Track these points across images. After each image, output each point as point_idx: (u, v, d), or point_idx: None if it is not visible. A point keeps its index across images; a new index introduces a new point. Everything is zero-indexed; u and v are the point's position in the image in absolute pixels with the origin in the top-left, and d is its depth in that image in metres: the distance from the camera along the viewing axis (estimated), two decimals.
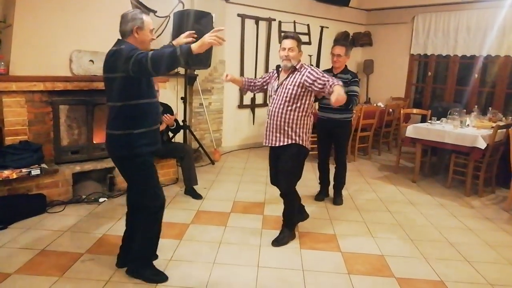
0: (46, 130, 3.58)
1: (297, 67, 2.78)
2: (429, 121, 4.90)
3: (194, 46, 2.05)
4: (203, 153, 5.22)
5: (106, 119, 2.36)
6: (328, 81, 2.63)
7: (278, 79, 2.88)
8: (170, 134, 4.26)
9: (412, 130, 4.72)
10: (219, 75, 5.54)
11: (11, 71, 3.34)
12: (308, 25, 6.73)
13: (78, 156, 3.77)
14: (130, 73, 2.11)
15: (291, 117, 2.78)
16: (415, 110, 6.04)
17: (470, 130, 4.40)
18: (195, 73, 5.19)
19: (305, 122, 2.84)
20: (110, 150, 2.39)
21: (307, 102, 2.81)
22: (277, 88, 2.83)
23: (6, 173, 3.17)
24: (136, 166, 2.32)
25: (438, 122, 4.76)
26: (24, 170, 3.26)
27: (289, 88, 2.76)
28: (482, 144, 4.11)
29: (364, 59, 7.65)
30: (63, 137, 3.70)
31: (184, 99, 4.93)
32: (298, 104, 2.78)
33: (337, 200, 3.98)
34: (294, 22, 6.54)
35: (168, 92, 5.00)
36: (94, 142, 3.87)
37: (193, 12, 4.39)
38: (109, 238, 3.00)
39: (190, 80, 5.14)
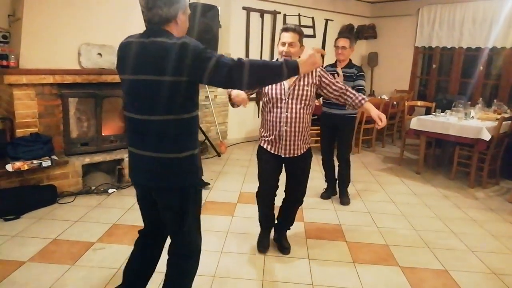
0: (56, 122, 3.64)
1: None
2: (434, 113, 4.92)
3: (302, 67, 1.65)
4: (209, 145, 5.27)
5: (152, 137, 1.65)
6: (346, 90, 2.50)
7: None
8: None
9: (416, 122, 4.74)
10: None
11: (21, 64, 3.40)
12: (312, 18, 6.73)
13: (87, 148, 3.84)
14: (202, 80, 1.56)
15: (307, 120, 2.55)
16: (419, 103, 6.06)
17: (474, 122, 4.42)
18: None
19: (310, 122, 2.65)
20: (172, 180, 1.68)
21: (314, 99, 2.58)
22: (290, 90, 2.46)
23: (18, 164, 3.24)
24: (195, 197, 1.77)
25: (442, 114, 4.78)
26: (35, 161, 3.33)
27: (307, 90, 2.47)
28: (486, 136, 4.13)
29: (369, 51, 7.65)
30: (73, 129, 3.76)
31: None
32: (311, 103, 2.54)
33: (344, 199, 3.82)
34: (299, 15, 6.54)
35: None
36: (103, 134, 3.93)
37: (200, 6, 4.41)
38: (120, 227, 3.07)
39: None
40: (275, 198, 2.72)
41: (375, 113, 2.37)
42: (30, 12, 3.41)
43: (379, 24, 7.57)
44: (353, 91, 2.53)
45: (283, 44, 2.43)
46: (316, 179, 4.26)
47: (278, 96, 2.48)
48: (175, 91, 1.56)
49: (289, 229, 2.91)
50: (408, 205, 3.85)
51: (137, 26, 4.50)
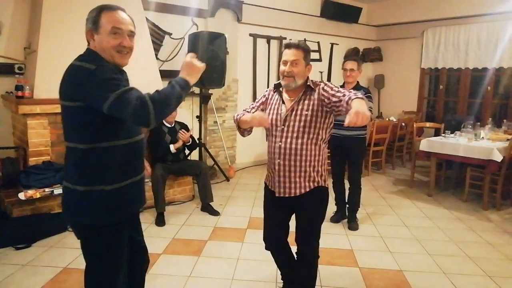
0: None
1: (311, 86, 2.05)
2: (443, 135, 4.90)
3: (189, 78, 1.60)
4: (218, 170, 5.29)
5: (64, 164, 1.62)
6: (344, 95, 1.89)
7: (283, 102, 2.10)
8: (187, 152, 4.34)
9: (426, 144, 4.72)
10: (233, 93, 5.67)
11: (35, 95, 3.50)
12: (318, 42, 6.85)
13: None
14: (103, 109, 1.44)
15: (312, 152, 2.04)
16: (428, 124, 6.04)
17: (485, 143, 4.38)
18: (209, 92, 5.31)
19: (325, 154, 2.14)
20: (70, 214, 1.61)
21: (326, 126, 2.07)
22: (286, 116, 2.06)
23: (30, 192, 3.28)
24: (101, 242, 1.60)
25: (452, 135, 4.75)
26: (47, 189, 3.37)
27: (306, 114, 2.01)
28: (498, 157, 4.09)
29: (375, 74, 7.72)
30: None
31: (199, 117, 5.04)
32: (317, 131, 2.03)
33: (352, 225, 3.74)
34: (305, 40, 6.66)
35: (183, 111, 5.12)
36: None
37: (207, 34, 4.53)
38: None
39: (204, 99, 5.26)
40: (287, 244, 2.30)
41: (352, 110, 1.67)
42: (45, 45, 3.54)
43: (384, 47, 7.67)
44: (350, 94, 1.89)
45: (285, 62, 2.03)
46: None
47: (274, 122, 2.10)
48: (81, 115, 1.52)
49: None
50: (421, 229, 3.78)
51: (146, 57, 4.64)
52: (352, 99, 1.79)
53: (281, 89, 2.14)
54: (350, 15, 7.01)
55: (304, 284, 2.25)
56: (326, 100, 1.98)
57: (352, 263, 3.02)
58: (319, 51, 6.90)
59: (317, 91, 2.04)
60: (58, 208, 3.53)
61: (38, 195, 3.31)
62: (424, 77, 7.19)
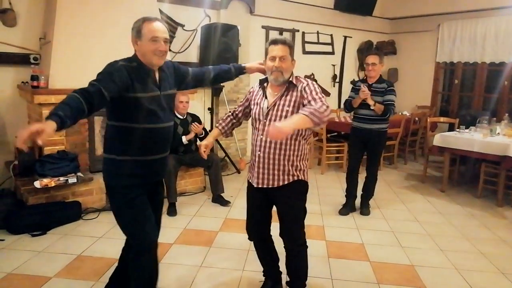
0: (82, 140, 3.76)
1: (294, 82, 2.10)
2: (457, 130, 4.82)
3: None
4: (229, 162, 5.30)
5: None
6: (310, 101, 1.98)
7: (266, 98, 2.15)
8: (199, 143, 4.35)
9: (440, 139, 4.65)
10: (244, 85, 5.65)
11: (50, 85, 3.54)
12: (331, 35, 6.78)
13: None
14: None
15: (291, 147, 2.10)
16: (442, 119, 5.95)
17: (500, 139, 4.30)
18: (221, 84, 5.30)
19: (305, 150, 2.18)
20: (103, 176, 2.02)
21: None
22: (268, 111, 2.11)
23: (45, 181, 3.34)
24: (118, 198, 1.97)
25: (466, 130, 4.67)
26: (61, 178, 3.43)
27: (287, 110, 2.05)
28: None
29: (388, 68, 7.60)
30: (98, 147, 3.86)
31: (211, 109, 5.04)
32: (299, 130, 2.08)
33: (364, 210, 3.91)
34: (318, 33, 6.60)
35: (195, 103, 5.13)
36: None
37: (220, 26, 4.52)
38: None
39: (216, 91, 5.26)
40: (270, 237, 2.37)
41: (277, 123, 1.81)
42: (60, 35, 3.57)
43: (398, 40, 7.55)
44: (320, 105, 1.93)
45: (273, 58, 2.07)
46: (336, 196, 4.22)
47: (257, 116, 2.16)
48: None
49: (302, 283, 2.32)
50: (433, 224, 3.74)
51: None
52: (301, 111, 1.88)
53: (265, 84, 2.21)
54: (364, 7, 6.90)
55: (298, 277, 2.29)
56: (304, 101, 2.04)
57: (363, 257, 3.02)
58: (332, 44, 6.83)
59: (299, 88, 2.08)
60: (73, 196, 3.59)
61: (53, 184, 3.37)
62: (439, 71, 7.07)
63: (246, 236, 2.40)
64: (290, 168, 2.12)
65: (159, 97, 1.91)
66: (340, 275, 2.73)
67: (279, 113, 2.08)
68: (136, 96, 1.82)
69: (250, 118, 2.27)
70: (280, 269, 2.44)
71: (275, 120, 2.06)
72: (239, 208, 3.98)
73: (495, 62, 6.17)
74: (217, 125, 2.41)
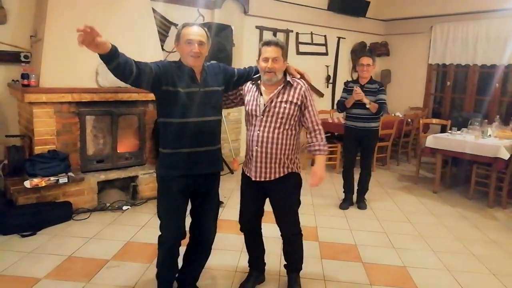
0: (73, 139, 3.71)
1: (291, 82, 2.24)
2: (449, 131, 4.86)
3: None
4: (222, 162, 5.27)
5: None
6: (310, 124, 2.26)
7: (261, 95, 2.25)
8: None
9: (432, 141, 4.68)
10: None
11: (41, 83, 3.49)
12: (325, 36, 6.79)
13: (103, 165, 3.88)
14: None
15: (286, 142, 2.23)
16: (434, 120, 5.99)
17: (492, 141, 4.34)
18: None
19: (298, 143, 2.33)
20: None
21: (299, 120, 2.29)
22: (265, 107, 2.22)
23: (36, 181, 3.29)
24: (159, 187, 2.22)
25: (458, 132, 4.71)
26: (52, 178, 3.38)
27: (285, 107, 2.19)
28: (505, 155, 4.05)
29: (381, 69, 7.64)
30: (89, 147, 3.82)
31: None
32: (292, 123, 2.24)
33: (361, 204, 4.11)
34: (311, 33, 6.61)
35: None
36: (118, 151, 3.98)
37: (214, 25, 4.50)
38: (134, 245, 3.07)
39: None
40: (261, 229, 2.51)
41: (315, 170, 2.26)
42: (51, 33, 3.52)
43: (391, 42, 7.59)
44: (322, 136, 2.28)
45: (266, 59, 2.16)
46: (329, 197, 4.22)
47: (253, 112, 2.25)
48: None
49: (297, 269, 2.53)
50: (425, 225, 3.76)
51: (152, 48, 4.62)
52: (317, 154, 2.28)
53: (259, 82, 2.30)
54: (358, 8, 6.93)
55: (295, 260, 2.50)
56: (303, 106, 2.25)
57: (356, 258, 3.02)
58: (325, 44, 6.84)
59: (298, 89, 2.24)
60: (63, 196, 3.55)
61: (43, 184, 3.32)
62: (431, 73, 7.12)
63: (240, 236, 2.41)
64: (286, 160, 2.26)
65: (198, 93, 2.08)
66: (332, 276, 2.73)
67: (276, 109, 2.21)
68: (177, 90, 2.03)
69: (245, 115, 2.35)
70: (265, 261, 2.61)
71: (272, 116, 2.21)
72: (232, 209, 3.96)
73: (486, 65, 6.23)
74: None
